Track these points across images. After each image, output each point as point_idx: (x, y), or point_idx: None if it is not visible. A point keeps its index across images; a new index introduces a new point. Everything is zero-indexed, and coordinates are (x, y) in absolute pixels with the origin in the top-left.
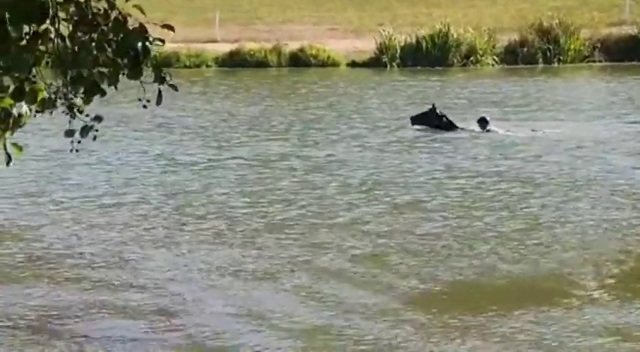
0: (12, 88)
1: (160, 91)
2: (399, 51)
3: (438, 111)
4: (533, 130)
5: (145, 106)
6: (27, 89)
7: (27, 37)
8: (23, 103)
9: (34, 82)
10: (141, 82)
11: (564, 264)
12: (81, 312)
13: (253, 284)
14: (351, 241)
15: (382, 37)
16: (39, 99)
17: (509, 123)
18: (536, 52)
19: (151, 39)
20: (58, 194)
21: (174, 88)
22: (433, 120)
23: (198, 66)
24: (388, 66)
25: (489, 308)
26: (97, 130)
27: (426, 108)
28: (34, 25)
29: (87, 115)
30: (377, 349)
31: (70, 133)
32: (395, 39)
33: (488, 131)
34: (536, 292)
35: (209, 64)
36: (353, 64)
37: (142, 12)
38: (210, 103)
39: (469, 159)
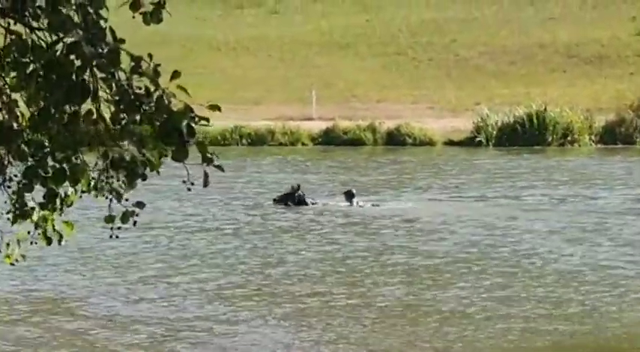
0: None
1: (205, 173)
2: (495, 130)
3: (300, 191)
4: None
5: (189, 189)
6: (68, 171)
7: (68, 117)
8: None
9: (76, 164)
10: (184, 164)
11: None
12: None
13: None
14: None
15: (479, 117)
16: (82, 180)
17: (375, 197)
18: (634, 132)
19: (196, 119)
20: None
21: (220, 168)
22: (294, 200)
23: (293, 144)
24: (484, 145)
25: None
26: (137, 215)
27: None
28: (75, 105)
29: (127, 200)
30: None
31: (110, 219)
32: (492, 118)
33: (355, 204)
34: None
35: (304, 141)
36: (449, 143)
37: (186, 93)
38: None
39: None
